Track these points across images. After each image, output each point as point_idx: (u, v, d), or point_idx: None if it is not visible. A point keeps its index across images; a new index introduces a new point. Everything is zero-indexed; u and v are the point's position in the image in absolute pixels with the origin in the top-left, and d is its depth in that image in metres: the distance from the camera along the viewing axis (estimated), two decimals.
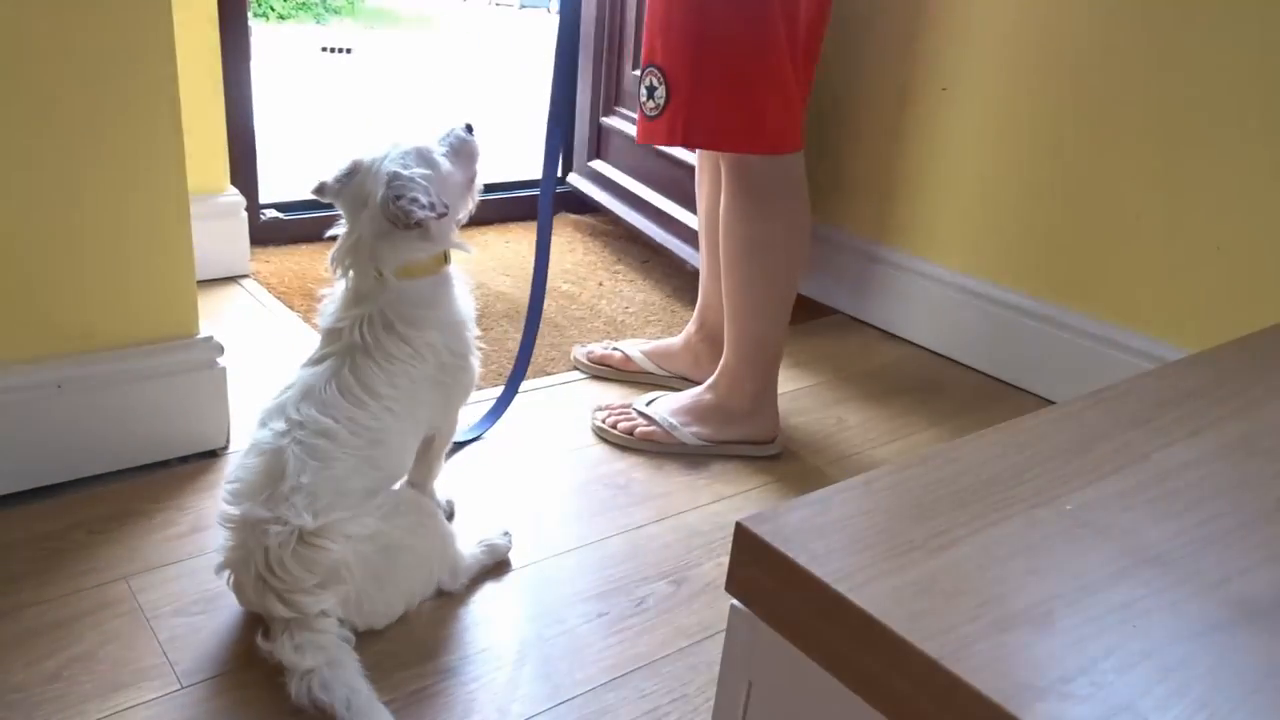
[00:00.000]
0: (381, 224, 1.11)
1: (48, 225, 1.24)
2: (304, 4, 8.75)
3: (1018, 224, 1.91)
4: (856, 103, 2.17)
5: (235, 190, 2.08)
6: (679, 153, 2.23)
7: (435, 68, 6.88)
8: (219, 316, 1.91)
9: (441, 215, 1.12)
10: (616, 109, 2.51)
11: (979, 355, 2.01)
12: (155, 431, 1.39)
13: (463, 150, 1.21)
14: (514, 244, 2.51)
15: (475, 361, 1.25)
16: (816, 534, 0.47)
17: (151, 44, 1.25)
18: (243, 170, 2.19)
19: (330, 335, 1.16)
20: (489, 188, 2.24)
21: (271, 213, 2.32)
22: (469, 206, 1.24)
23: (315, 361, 1.15)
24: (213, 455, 1.45)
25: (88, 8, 1.19)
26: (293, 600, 1.01)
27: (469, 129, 1.23)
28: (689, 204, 2.22)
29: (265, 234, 2.29)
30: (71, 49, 1.19)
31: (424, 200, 1.09)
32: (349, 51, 8.03)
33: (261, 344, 1.82)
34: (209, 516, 1.31)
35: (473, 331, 1.25)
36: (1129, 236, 1.75)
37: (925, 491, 0.52)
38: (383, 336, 1.12)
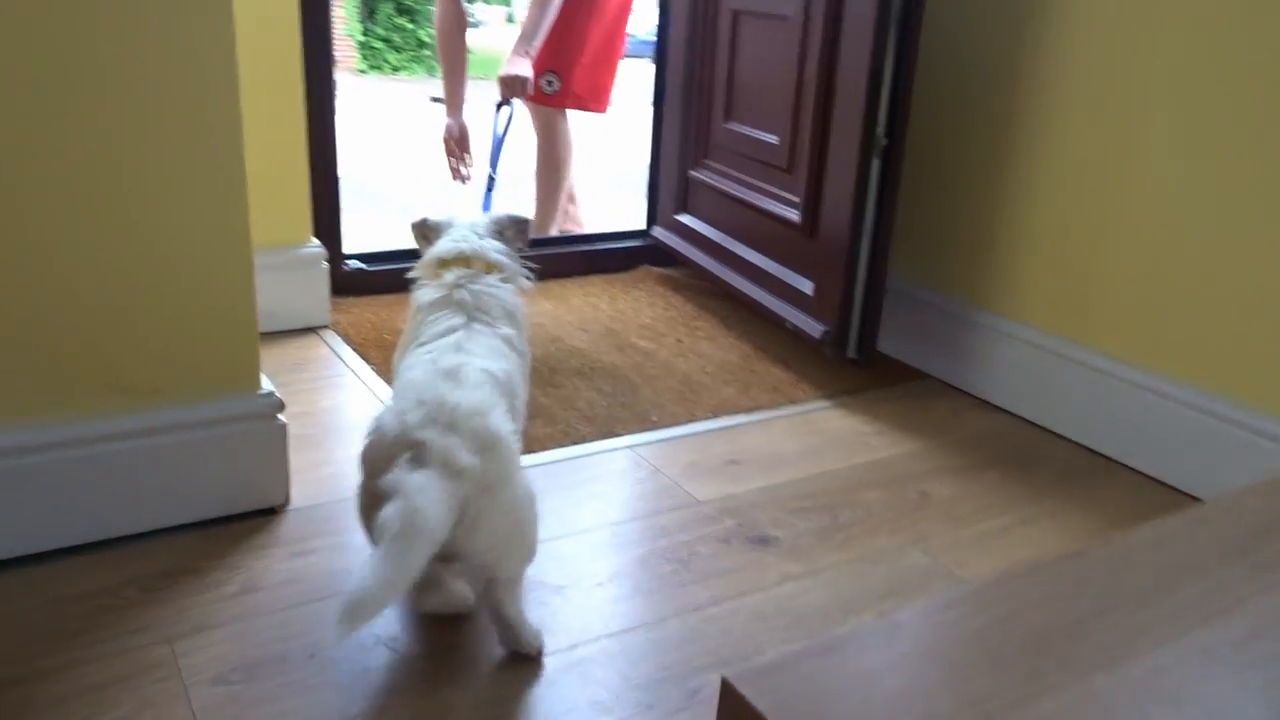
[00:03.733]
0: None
1: (110, 280, 1.25)
2: (417, 57, 9.04)
3: (1119, 286, 1.79)
4: (948, 159, 2.07)
5: (317, 242, 2.10)
6: (770, 204, 2.18)
7: None
8: (295, 368, 1.92)
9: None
10: (705, 162, 2.47)
11: (1077, 427, 1.88)
12: (214, 487, 1.38)
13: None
14: (593, 298, 2.48)
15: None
16: (821, 699, 0.40)
17: (218, 103, 1.26)
18: (326, 222, 2.22)
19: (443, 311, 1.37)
20: (571, 240, 2.28)
21: (355, 264, 2.34)
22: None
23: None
24: (271, 513, 1.44)
25: (155, 72, 1.20)
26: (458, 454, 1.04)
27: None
28: (779, 256, 2.16)
29: (348, 285, 2.31)
30: (138, 111, 1.21)
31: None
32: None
33: (331, 399, 1.82)
34: (261, 577, 1.29)
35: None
36: (1245, 304, 1.61)
37: (961, 645, 0.44)
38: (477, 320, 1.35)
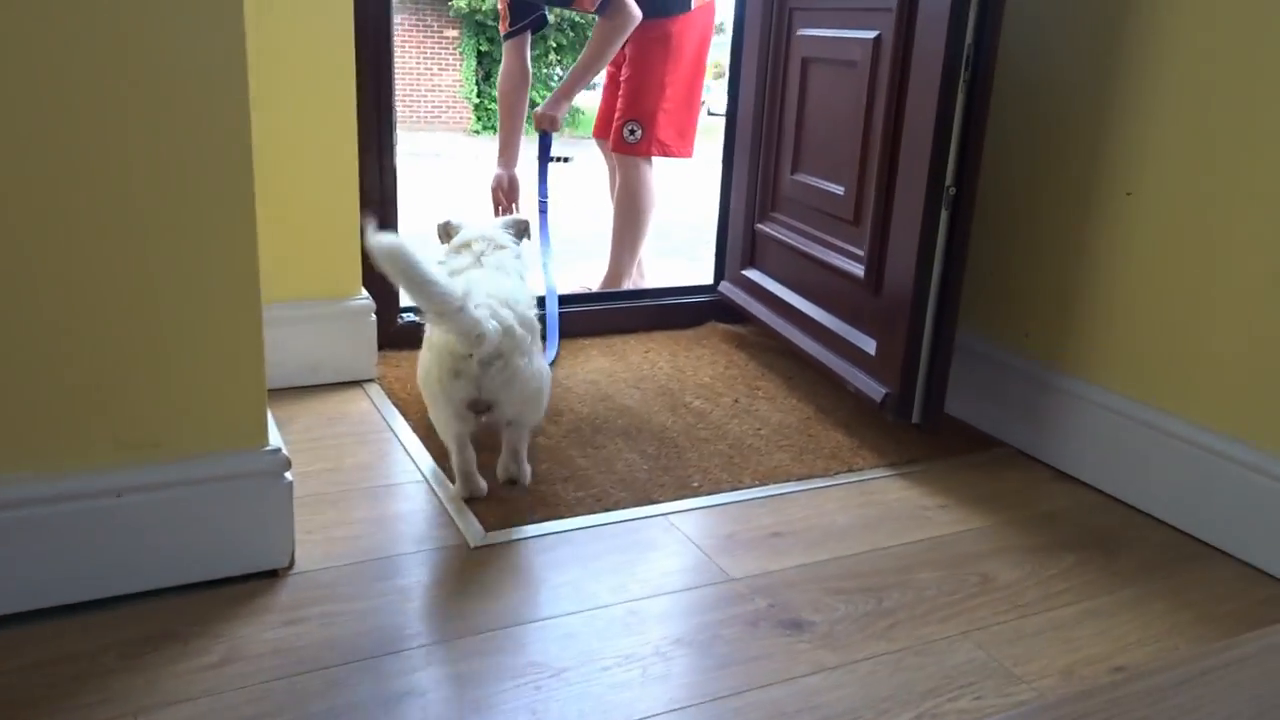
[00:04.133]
0: None
1: (115, 331, 1.22)
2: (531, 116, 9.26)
3: (1225, 354, 1.59)
4: (1030, 210, 1.91)
5: (366, 294, 2.07)
6: (834, 258, 2.05)
7: None
8: (331, 422, 1.88)
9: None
10: (773, 215, 2.36)
11: (1169, 507, 1.68)
12: (213, 547, 1.33)
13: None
14: (653, 355, 2.39)
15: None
16: None
17: (229, 158, 1.22)
18: (384, 277, 2.19)
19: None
20: (636, 294, 2.64)
21: (411, 316, 2.31)
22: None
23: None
24: (274, 575, 1.37)
25: (168, 122, 1.18)
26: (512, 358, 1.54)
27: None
28: (843, 313, 2.03)
29: (401, 338, 2.28)
30: (147, 163, 1.18)
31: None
32: (568, 160, 8.38)
33: (360, 456, 1.76)
34: (245, 646, 1.22)
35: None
36: None
37: None
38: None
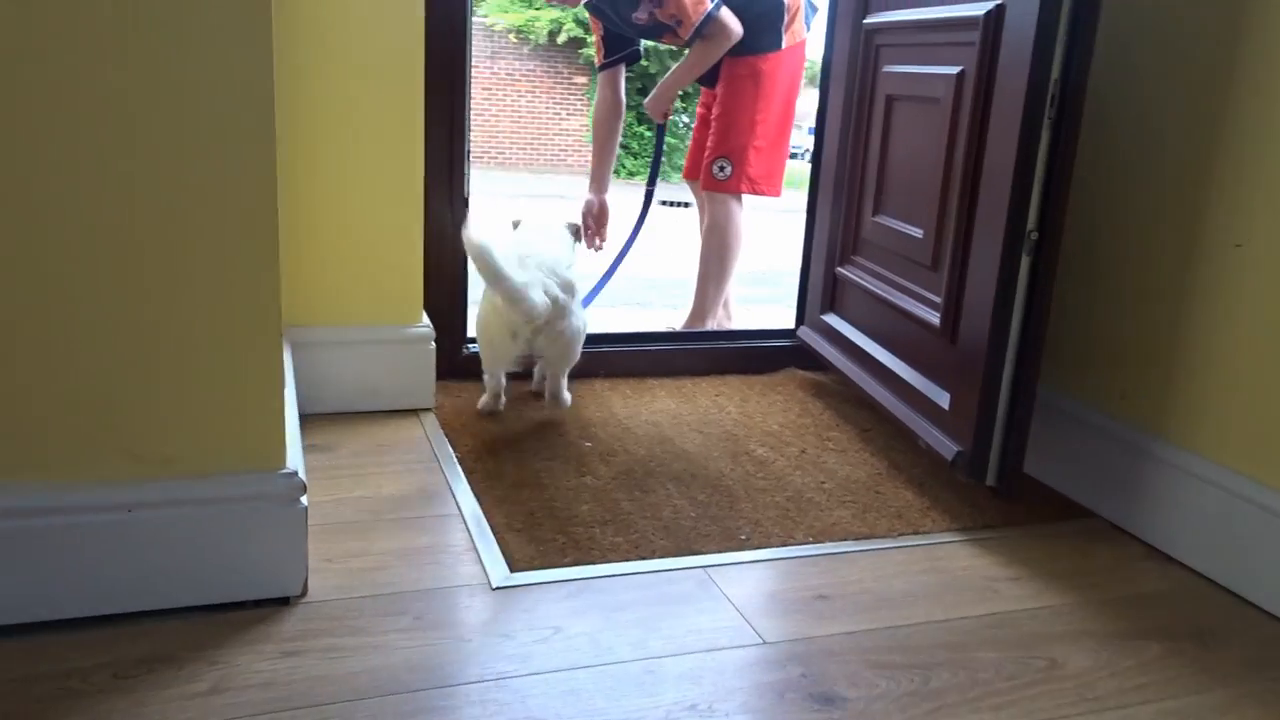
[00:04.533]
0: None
1: (132, 345, 1.21)
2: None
3: None
4: (1127, 260, 1.75)
5: (427, 322, 2.05)
6: (912, 305, 1.93)
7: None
8: (378, 449, 1.85)
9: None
10: (853, 258, 2.25)
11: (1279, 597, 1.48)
12: (224, 570, 1.30)
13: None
14: (722, 399, 2.29)
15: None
16: None
17: (253, 179, 1.21)
18: (449, 304, 2.18)
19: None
20: (711, 335, 2.66)
21: (474, 348, 2.28)
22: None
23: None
24: (284, 603, 1.33)
25: (191, 141, 1.17)
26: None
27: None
28: (918, 364, 1.91)
29: (465, 368, 2.25)
30: (172, 179, 1.17)
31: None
32: (686, 205, 8.42)
33: (399, 485, 1.72)
34: (237, 676, 1.18)
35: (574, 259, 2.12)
36: None
37: None
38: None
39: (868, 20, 2.17)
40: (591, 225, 3.03)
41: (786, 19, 2.78)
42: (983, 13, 1.69)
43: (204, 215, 1.20)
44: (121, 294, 1.19)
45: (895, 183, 2.05)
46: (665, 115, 3.02)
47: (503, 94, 15.68)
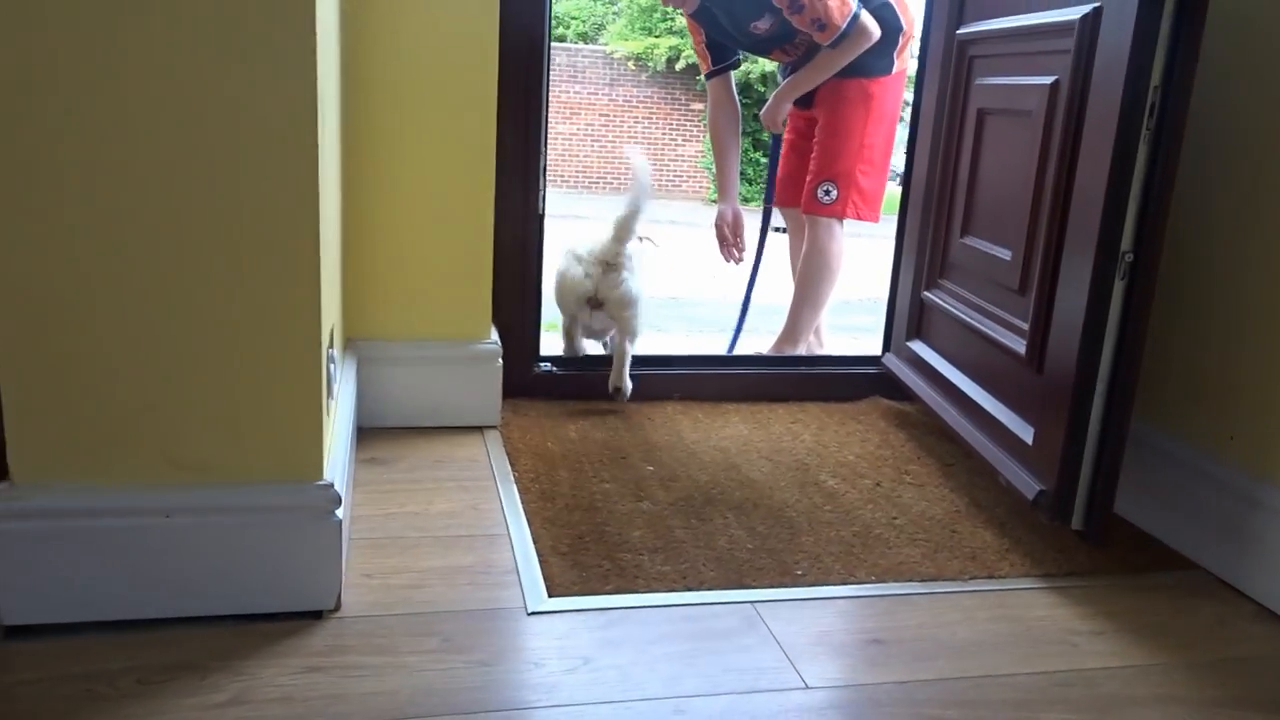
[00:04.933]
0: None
1: (172, 351, 1.21)
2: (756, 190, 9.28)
3: None
4: (1239, 289, 1.60)
5: (495, 340, 2.03)
6: (997, 332, 1.81)
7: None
8: (435, 465, 1.84)
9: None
10: (940, 282, 2.13)
11: None
12: (258, 580, 1.29)
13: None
14: (798, 426, 2.20)
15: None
16: None
17: (296, 191, 1.20)
18: (521, 320, 2.16)
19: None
20: (790, 361, 2.69)
21: (548, 366, 2.26)
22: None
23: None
24: (317, 617, 1.31)
25: (231, 152, 1.17)
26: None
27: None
28: (1003, 395, 1.79)
29: (537, 386, 2.23)
30: (212, 189, 1.18)
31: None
32: (783, 230, 8.35)
33: (451, 503, 1.69)
34: (258, 689, 1.16)
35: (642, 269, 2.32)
36: None
37: None
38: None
39: (961, 30, 2.06)
40: (727, 236, 2.97)
41: (901, 43, 2.69)
42: (1079, 16, 1.57)
43: (245, 224, 1.20)
44: (163, 300, 1.20)
45: (985, 201, 1.93)
46: (778, 125, 2.92)
47: (620, 120, 15.86)
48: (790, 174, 2.95)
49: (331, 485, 1.30)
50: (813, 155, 2.83)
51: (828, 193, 2.78)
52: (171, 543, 1.25)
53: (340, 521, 1.31)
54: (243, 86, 1.16)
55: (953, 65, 2.08)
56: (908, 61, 2.76)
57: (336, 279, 1.67)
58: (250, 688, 1.16)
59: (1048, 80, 1.67)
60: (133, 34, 1.12)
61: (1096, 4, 1.54)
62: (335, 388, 1.53)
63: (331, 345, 1.50)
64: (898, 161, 2.89)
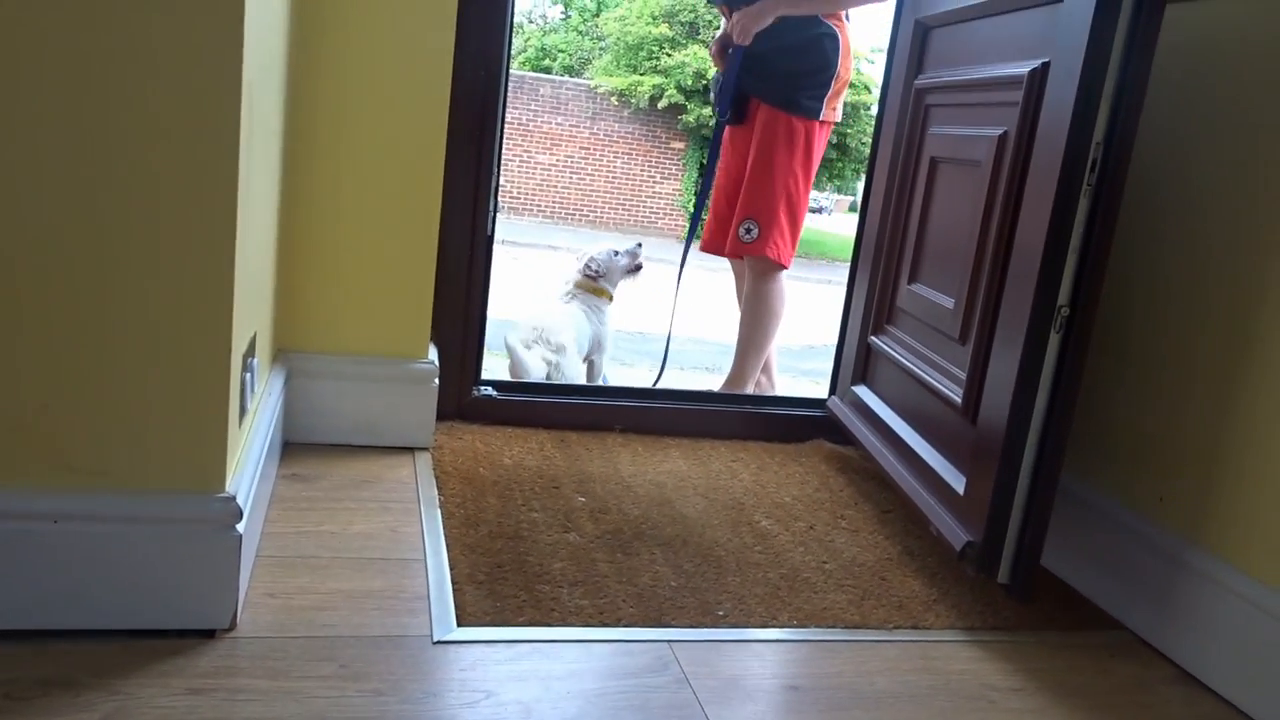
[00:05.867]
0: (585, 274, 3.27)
1: (72, 349, 1.17)
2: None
3: None
4: (1175, 348, 1.60)
5: (433, 360, 1.99)
6: (937, 380, 1.79)
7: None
8: (360, 484, 1.78)
9: (598, 276, 3.27)
10: (886, 328, 2.12)
11: None
12: (149, 594, 1.23)
13: (630, 254, 3.32)
14: (738, 465, 2.17)
15: (609, 331, 3.25)
16: None
17: (210, 190, 1.16)
18: (461, 346, 2.12)
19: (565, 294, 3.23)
20: (735, 399, 2.58)
21: (487, 390, 2.22)
22: (627, 276, 3.36)
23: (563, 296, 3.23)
24: (210, 636, 1.26)
25: (142, 149, 1.13)
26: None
27: (639, 246, 3.35)
28: (939, 444, 1.77)
29: (474, 410, 2.19)
30: (119, 185, 1.14)
31: (593, 268, 3.25)
32: None
33: (371, 524, 1.64)
34: (133, 710, 1.10)
35: (610, 323, 3.26)
36: None
37: None
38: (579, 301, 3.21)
39: (919, 80, 2.07)
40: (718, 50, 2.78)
41: (833, 87, 2.66)
42: (1027, 70, 1.58)
43: (156, 223, 1.16)
44: (62, 295, 1.15)
45: (933, 249, 1.93)
46: (746, 37, 2.61)
47: (600, 154, 15.93)
48: (718, 216, 2.91)
49: (234, 498, 1.25)
50: (740, 193, 2.79)
51: (749, 230, 2.73)
52: (57, 550, 1.19)
53: (240, 536, 1.26)
54: (160, 79, 1.12)
55: (909, 113, 2.08)
56: (838, 114, 2.73)
57: (266, 286, 1.63)
58: (124, 708, 1.10)
59: (996, 132, 1.67)
60: (35, 11, 1.08)
61: (1046, 59, 1.55)
62: (252, 397, 1.48)
63: (252, 354, 1.45)
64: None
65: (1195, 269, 1.57)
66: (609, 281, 3.31)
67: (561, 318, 3.11)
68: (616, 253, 3.30)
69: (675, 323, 3.16)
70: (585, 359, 3.20)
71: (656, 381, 3.05)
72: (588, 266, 3.27)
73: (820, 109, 2.64)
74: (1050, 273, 1.47)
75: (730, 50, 2.68)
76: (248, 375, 1.40)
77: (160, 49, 1.11)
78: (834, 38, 2.63)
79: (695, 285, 3.11)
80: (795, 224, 2.75)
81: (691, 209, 16.42)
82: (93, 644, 1.20)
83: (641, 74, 15.68)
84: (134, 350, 1.18)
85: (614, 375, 3.58)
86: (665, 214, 16.17)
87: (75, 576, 1.20)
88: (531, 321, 3.06)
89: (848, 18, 2.70)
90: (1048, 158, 1.49)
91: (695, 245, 3.06)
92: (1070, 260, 1.46)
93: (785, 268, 2.76)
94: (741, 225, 2.73)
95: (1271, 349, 1.42)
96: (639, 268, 3.38)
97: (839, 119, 2.75)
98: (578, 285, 3.28)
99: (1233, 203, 1.51)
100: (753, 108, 2.74)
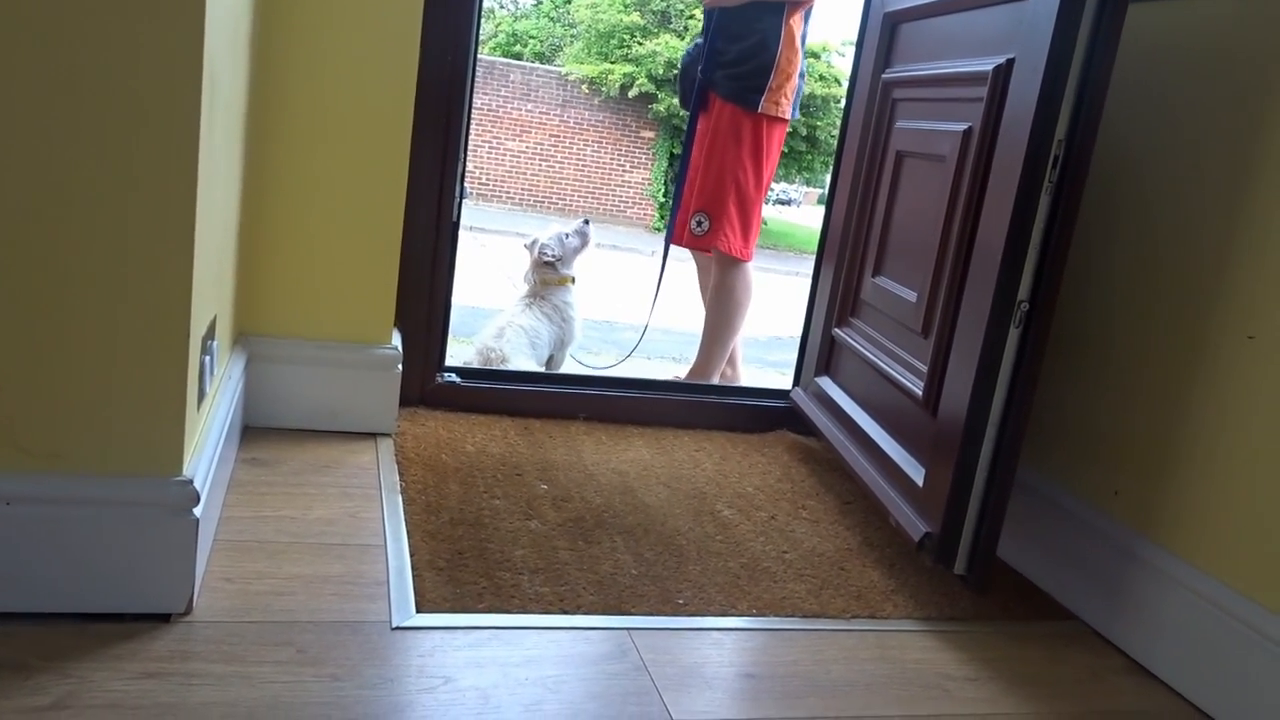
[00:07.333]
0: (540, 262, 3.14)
1: (26, 329, 1.15)
2: None
3: None
4: (1130, 345, 1.62)
5: (396, 346, 1.98)
6: (898, 372, 1.81)
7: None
8: (322, 469, 1.77)
9: (555, 260, 3.13)
10: (850, 320, 2.14)
11: None
12: (103, 577, 1.22)
13: (580, 233, 3.20)
14: (700, 454, 2.18)
15: (576, 321, 3.17)
16: None
17: (168, 167, 1.15)
18: (425, 332, 2.11)
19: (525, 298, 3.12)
20: (701, 389, 2.54)
21: (451, 376, 2.21)
22: (581, 257, 3.22)
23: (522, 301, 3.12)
24: (165, 620, 1.24)
25: (98, 125, 1.11)
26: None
27: (586, 223, 3.22)
28: (900, 435, 1.79)
29: (438, 396, 2.17)
30: (74, 162, 1.12)
31: (549, 253, 3.11)
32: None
33: (330, 509, 1.63)
34: (85, 693, 1.09)
35: (577, 309, 3.18)
36: None
37: None
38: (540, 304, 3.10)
39: (886, 73, 2.08)
40: None
41: (773, 83, 2.66)
42: (992, 67, 1.59)
43: (112, 202, 1.14)
44: (14, 274, 1.13)
45: (897, 242, 1.95)
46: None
47: (570, 141, 15.86)
48: (684, 208, 2.92)
49: (190, 482, 1.24)
50: (695, 185, 2.80)
51: (700, 223, 2.76)
52: (9, 533, 1.17)
53: (197, 520, 1.24)
54: (118, 57, 1.10)
55: (876, 107, 2.10)
56: (789, 111, 2.74)
57: (227, 269, 1.61)
58: (76, 692, 1.09)
59: (961, 127, 1.68)
60: None
61: (1011, 56, 1.56)
62: (211, 380, 1.46)
63: (212, 337, 1.44)
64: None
65: (1147, 267, 1.60)
66: (566, 265, 3.16)
67: (515, 337, 2.94)
68: (566, 235, 3.17)
69: (647, 313, 3.16)
70: (547, 359, 3.12)
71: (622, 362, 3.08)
72: (542, 253, 3.11)
73: (759, 101, 2.65)
74: (1011, 268, 1.49)
75: (698, 37, 2.70)
76: (207, 358, 1.39)
77: (117, 25, 1.09)
78: (776, 30, 2.63)
79: (665, 275, 3.10)
80: (747, 217, 2.76)
81: (660, 198, 16.36)
82: (45, 627, 1.19)
83: (612, 62, 15.62)
84: (90, 331, 1.17)
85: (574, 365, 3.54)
86: (635, 203, 16.15)
87: (28, 559, 1.19)
88: (486, 342, 2.91)
89: (808, 14, 2.71)
90: (1011, 154, 1.51)
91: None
92: (1031, 256, 1.48)
93: (745, 260, 2.78)
94: (693, 218, 2.77)
95: (1220, 348, 1.45)
96: (586, 243, 3.25)
97: (791, 113, 2.76)
98: (541, 282, 3.13)
99: (1184, 203, 1.54)
100: (710, 100, 2.76)
